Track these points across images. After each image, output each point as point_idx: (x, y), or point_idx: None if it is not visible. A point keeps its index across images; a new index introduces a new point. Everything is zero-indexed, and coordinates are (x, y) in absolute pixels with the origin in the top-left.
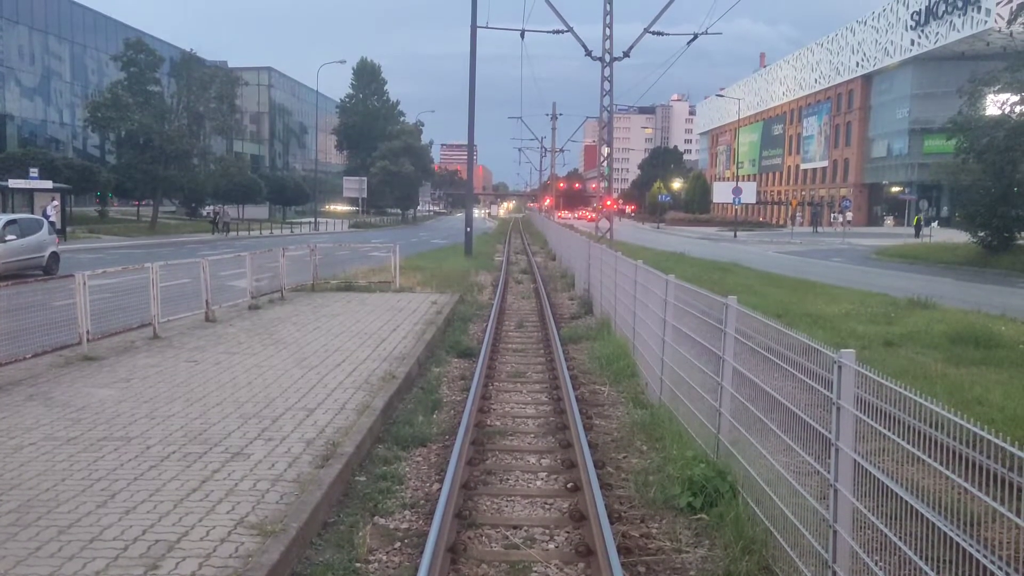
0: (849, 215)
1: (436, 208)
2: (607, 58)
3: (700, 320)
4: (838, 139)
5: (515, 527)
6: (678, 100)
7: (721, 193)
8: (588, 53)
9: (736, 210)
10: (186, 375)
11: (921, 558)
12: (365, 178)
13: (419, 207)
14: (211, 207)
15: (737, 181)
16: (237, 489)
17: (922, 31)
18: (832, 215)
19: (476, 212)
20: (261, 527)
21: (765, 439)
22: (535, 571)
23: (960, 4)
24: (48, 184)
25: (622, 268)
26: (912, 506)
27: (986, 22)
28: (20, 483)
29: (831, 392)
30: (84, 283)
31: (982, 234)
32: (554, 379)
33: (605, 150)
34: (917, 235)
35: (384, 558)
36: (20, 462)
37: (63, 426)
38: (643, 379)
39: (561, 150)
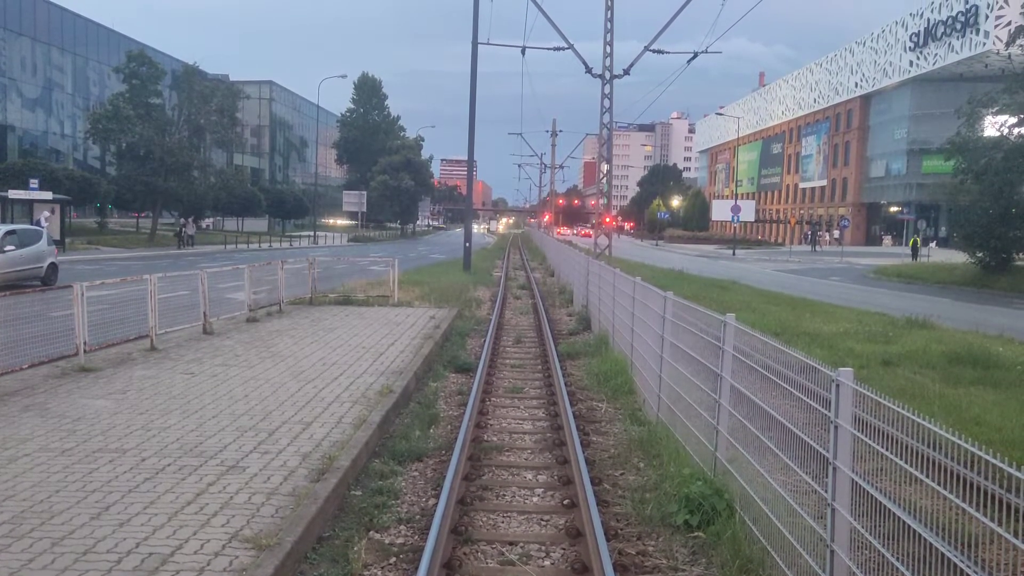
0: (836, 233)
1: (435, 223)
2: (607, 75)
3: (698, 337)
4: (837, 158)
5: (511, 543)
6: (677, 118)
7: (720, 211)
8: (588, 70)
9: (735, 228)
10: (183, 387)
11: None
12: (365, 192)
13: (418, 222)
14: (207, 221)
15: (736, 199)
16: (232, 502)
17: (921, 52)
18: (819, 233)
19: (475, 227)
20: (256, 541)
21: (763, 457)
22: None
23: (959, 26)
24: (48, 195)
25: (620, 285)
26: (910, 526)
27: (984, 44)
28: (14, 494)
29: (829, 411)
30: (82, 294)
31: (980, 254)
32: (552, 395)
33: (604, 167)
34: (915, 257)
35: (379, 573)
36: (14, 473)
37: (58, 437)
38: (641, 396)
39: (560, 166)
